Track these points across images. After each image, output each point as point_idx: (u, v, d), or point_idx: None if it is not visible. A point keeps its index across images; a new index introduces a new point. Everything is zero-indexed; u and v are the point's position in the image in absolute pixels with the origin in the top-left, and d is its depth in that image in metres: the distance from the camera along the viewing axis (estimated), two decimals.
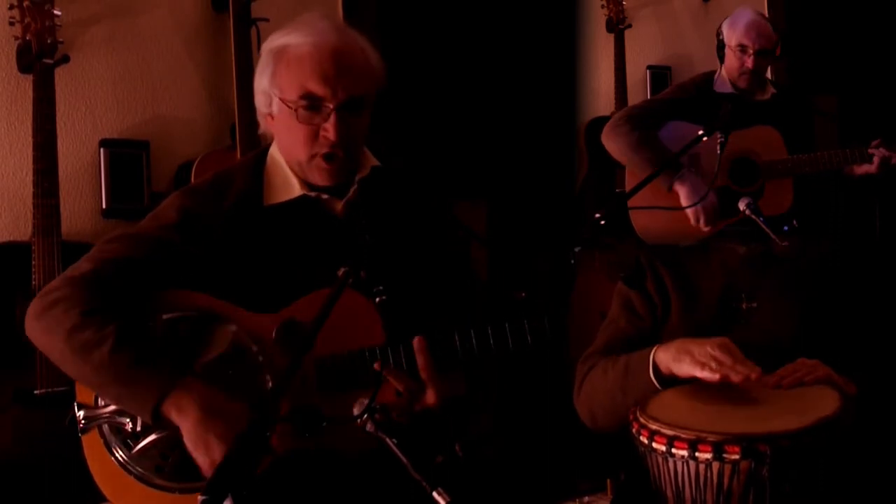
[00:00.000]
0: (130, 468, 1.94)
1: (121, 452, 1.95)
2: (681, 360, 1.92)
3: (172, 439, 1.92)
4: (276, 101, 1.99)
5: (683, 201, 3.30)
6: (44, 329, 1.92)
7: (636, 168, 3.45)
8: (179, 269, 1.97)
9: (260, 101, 2.04)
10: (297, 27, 2.00)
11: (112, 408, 1.95)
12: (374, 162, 2.08)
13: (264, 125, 2.08)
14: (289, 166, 2.05)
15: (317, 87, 1.94)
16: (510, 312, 2.02)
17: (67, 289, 1.92)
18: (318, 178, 2.01)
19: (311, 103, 1.95)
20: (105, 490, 1.95)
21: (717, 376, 1.84)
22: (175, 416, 1.84)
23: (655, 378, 1.96)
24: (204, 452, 1.82)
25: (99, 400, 1.97)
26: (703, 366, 1.87)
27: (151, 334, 1.94)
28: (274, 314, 1.97)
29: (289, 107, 1.96)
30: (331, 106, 1.94)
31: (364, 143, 2.07)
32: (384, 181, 2.09)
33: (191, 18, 3.56)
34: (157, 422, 1.86)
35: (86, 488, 1.98)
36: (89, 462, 1.96)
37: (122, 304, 1.91)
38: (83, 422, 1.96)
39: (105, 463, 1.96)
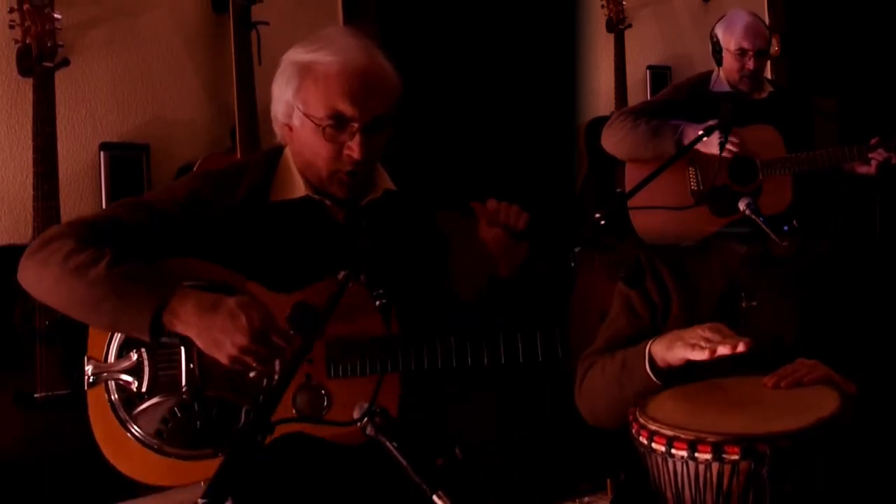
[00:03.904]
0: (131, 429, 1.97)
1: (123, 412, 1.97)
2: (673, 346, 1.93)
3: (175, 405, 1.95)
4: (298, 114, 2.03)
5: (703, 147, 3.25)
6: (38, 262, 1.94)
7: (639, 146, 3.43)
8: (175, 245, 1.99)
9: (279, 111, 2.07)
10: (325, 44, 2.02)
11: (121, 365, 1.97)
12: (389, 185, 2.14)
13: (281, 134, 2.11)
14: (301, 173, 2.09)
15: (345, 108, 1.98)
16: (511, 313, 2.04)
17: (64, 227, 1.97)
18: (338, 192, 2.06)
19: (338, 123, 1.99)
20: (104, 448, 1.98)
21: (706, 354, 1.85)
22: (177, 326, 1.88)
23: (652, 371, 1.97)
24: (217, 350, 1.87)
25: (109, 356, 1.99)
26: (693, 346, 1.88)
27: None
28: (287, 295, 1.99)
29: (315, 123, 2.00)
30: (356, 126, 1.99)
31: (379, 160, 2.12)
32: (390, 202, 2.14)
33: (191, 21, 3.56)
34: (157, 334, 1.88)
35: (88, 490, 1.99)
36: (92, 419, 1.99)
37: (116, 248, 1.93)
38: (91, 376, 1.98)
39: (107, 421, 1.98)
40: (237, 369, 1.90)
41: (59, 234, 1.95)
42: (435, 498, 1.47)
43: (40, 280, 1.94)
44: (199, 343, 1.88)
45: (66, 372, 2.74)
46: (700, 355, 1.86)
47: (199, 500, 1.34)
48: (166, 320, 1.87)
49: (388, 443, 1.56)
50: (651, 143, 3.39)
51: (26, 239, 2.94)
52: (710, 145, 3.20)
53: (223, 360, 1.87)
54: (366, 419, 1.59)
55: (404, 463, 1.52)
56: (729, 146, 3.17)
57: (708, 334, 1.89)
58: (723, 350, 1.83)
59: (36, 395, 2.78)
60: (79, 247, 1.90)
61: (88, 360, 1.99)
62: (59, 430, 2.38)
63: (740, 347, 1.82)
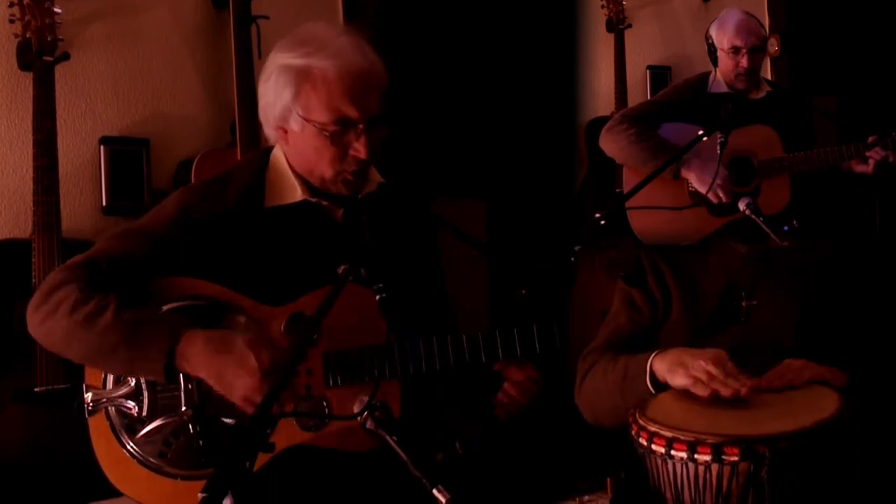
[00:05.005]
0: (134, 453, 1.96)
1: (126, 436, 1.97)
2: (675, 371, 1.93)
3: (177, 426, 1.94)
4: (297, 118, 2.00)
5: (695, 184, 3.28)
6: (45, 314, 1.92)
7: (636, 161, 3.43)
8: (176, 264, 1.99)
9: (273, 115, 2.04)
10: (317, 46, 1.99)
11: (120, 391, 1.97)
12: (379, 178, 2.14)
13: (274, 137, 2.09)
14: (300, 175, 2.07)
15: (349, 111, 1.97)
16: (512, 310, 2.05)
17: (64, 273, 1.95)
18: (343, 190, 2.06)
19: (343, 126, 1.98)
20: (108, 473, 1.97)
21: (707, 392, 1.85)
22: (187, 367, 1.88)
23: (652, 385, 1.97)
24: (230, 392, 1.87)
25: (107, 382, 1.98)
26: (695, 380, 1.88)
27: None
28: (281, 307, 1.99)
29: (318, 128, 1.99)
30: (361, 127, 1.99)
31: None
32: (384, 194, 2.14)
33: (191, 16, 3.56)
34: (171, 377, 1.90)
35: (90, 484, 1.99)
36: (95, 445, 1.98)
37: (119, 288, 1.93)
38: (90, 404, 1.97)
39: (110, 446, 1.97)
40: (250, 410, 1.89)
41: (61, 283, 1.93)
42: (435, 492, 1.47)
43: (50, 334, 1.94)
44: (214, 386, 1.88)
45: (66, 366, 2.74)
46: (700, 392, 1.86)
47: (199, 495, 1.34)
48: (178, 364, 1.87)
49: (388, 437, 1.56)
50: (651, 163, 3.38)
51: (26, 233, 2.94)
52: (701, 184, 3.23)
53: (237, 401, 1.87)
54: (366, 413, 1.59)
55: (404, 457, 1.52)
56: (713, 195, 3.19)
57: (711, 368, 1.87)
58: (724, 393, 1.83)
59: (36, 390, 2.78)
60: (83, 296, 1.89)
61: (87, 388, 1.97)
62: (62, 423, 2.36)
63: (742, 392, 1.82)
